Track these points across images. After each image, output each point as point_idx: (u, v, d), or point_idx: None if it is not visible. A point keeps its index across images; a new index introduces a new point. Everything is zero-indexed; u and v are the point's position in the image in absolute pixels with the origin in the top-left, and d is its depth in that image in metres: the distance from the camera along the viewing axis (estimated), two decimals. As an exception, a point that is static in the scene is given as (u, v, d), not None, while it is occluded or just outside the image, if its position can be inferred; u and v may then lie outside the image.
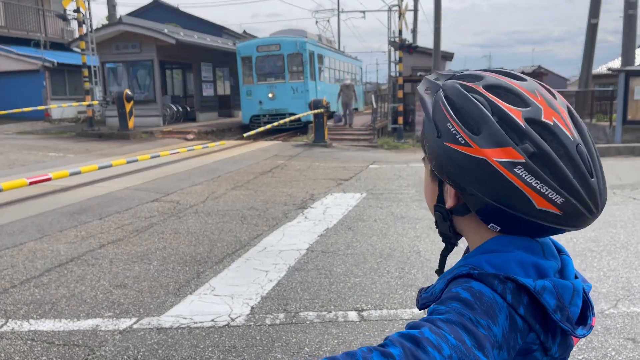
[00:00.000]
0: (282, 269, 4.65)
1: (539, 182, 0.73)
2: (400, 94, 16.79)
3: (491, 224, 0.81)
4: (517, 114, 0.75)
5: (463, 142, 0.77)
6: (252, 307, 3.84)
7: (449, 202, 0.86)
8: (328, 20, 34.19)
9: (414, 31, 27.57)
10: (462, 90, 0.80)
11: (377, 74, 67.30)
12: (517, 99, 0.77)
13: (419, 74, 21.89)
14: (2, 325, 3.60)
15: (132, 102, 16.37)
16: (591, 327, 0.80)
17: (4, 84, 21.86)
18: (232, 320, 3.63)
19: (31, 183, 5.35)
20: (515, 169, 0.73)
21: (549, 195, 0.74)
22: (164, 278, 4.48)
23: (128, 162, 7.89)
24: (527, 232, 0.80)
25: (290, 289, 4.18)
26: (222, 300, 3.99)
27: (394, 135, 16.65)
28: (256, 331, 3.47)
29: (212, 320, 3.62)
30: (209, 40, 22.22)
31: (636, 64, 17.59)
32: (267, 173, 10.13)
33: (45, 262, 4.89)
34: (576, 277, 0.84)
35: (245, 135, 12.77)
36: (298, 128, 18.52)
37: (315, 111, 14.38)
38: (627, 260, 4.72)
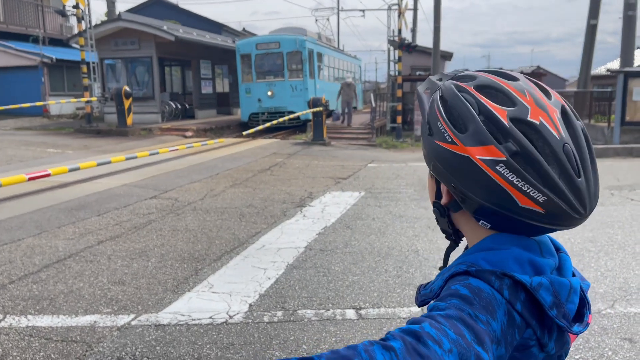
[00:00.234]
0: (281, 266, 4.65)
1: (520, 180, 0.74)
2: (399, 93, 16.79)
3: (481, 221, 0.83)
4: (502, 113, 0.76)
5: (450, 140, 0.79)
6: (250, 305, 3.84)
7: (444, 199, 0.89)
8: (328, 19, 34.20)
9: (414, 30, 27.58)
10: (455, 90, 0.82)
11: (376, 73, 67.43)
12: (505, 99, 0.78)
13: (418, 73, 21.91)
14: (0, 321, 3.60)
15: (130, 99, 16.35)
16: (587, 324, 0.81)
17: (2, 80, 21.82)
18: (230, 317, 3.63)
19: (30, 179, 5.34)
20: (497, 167, 0.75)
21: (531, 193, 0.75)
22: (162, 275, 4.48)
23: (127, 159, 7.88)
24: (516, 230, 0.81)
25: (288, 287, 4.18)
26: (220, 297, 3.99)
27: (392, 134, 16.66)
28: (254, 329, 3.47)
29: (210, 318, 3.62)
30: (208, 37, 22.20)
31: (635, 65, 17.63)
32: (266, 171, 10.14)
33: (44, 258, 4.89)
34: (574, 275, 0.85)
35: (244, 133, 12.76)
36: (297, 126, 18.52)
37: (314, 109, 14.38)
38: (624, 261, 4.73)
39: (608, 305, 3.79)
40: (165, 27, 18.79)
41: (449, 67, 30.79)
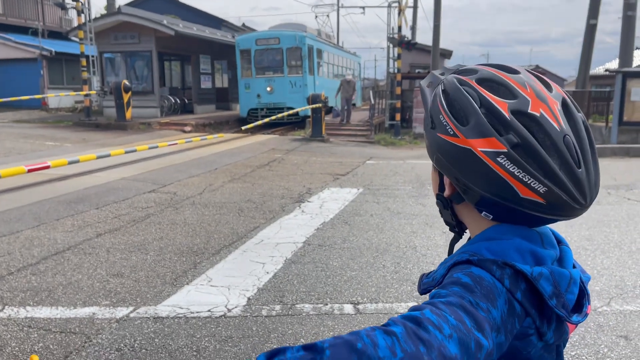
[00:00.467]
0: (279, 261, 4.67)
1: (521, 172, 0.76)
2: (398, 90, 16.80)
3: (483, 212, 0.85)
4: (503, 106, 0.78)
5: (452, 132, 0.80)
6: (249, 299, 3.86)
7: (447, 191, 0.90)
8: (327, 15, 34.20)
9: (413, 28, 27.54)
10: (457, 83, 0.83)
11: (375, 70, 67.41)
12: (507, 92, 0.80)
13: (417, 71, 21.90)
14: (-2, 312, 3.61)
15: (130, 93, 16.32)
16: (586, 315, 0.83)
17: (1, 72, 21.77)
18: (229, 310, 3.65)
19: (29, 170, 5.35)
20: (498, 159, 0.76)
21: (532, 184, 0.76)
22: (161, 268, 4.49)
23: (126, 152, 7.88)
24: (518, 221, 0.83)
25: (286, 281, 4.20)
26: (218, 291, 4.01)
27: (391, 131, 16.66)
28: (252, 322, 3.49)
29: (209, 311, 3.64)
30: (207, 32, 22.16)
31: (634, 65, 17.66)
32: (265, 166, 10.14)
33: (42, 250, 4.89)
34: (574, 267, 0.86)
35: (243, 128, 12.77)
36: (295, 122, 18.51)
37: (313, 106, 14.38)
38: (620, 259, 4.76)
39: (604, 302, 3.82)
40: (165, 22, 18.76)
41: (448, 65, 30.75)
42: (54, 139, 13.57)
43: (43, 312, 3.60)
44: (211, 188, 7.90)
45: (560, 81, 44.07)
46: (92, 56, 17.96)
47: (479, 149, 0.77)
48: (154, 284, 4.13)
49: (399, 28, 17.17)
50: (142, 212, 6.37)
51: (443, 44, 17.35)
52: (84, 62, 17.20)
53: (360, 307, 3.75)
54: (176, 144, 10.08)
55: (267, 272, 4.39)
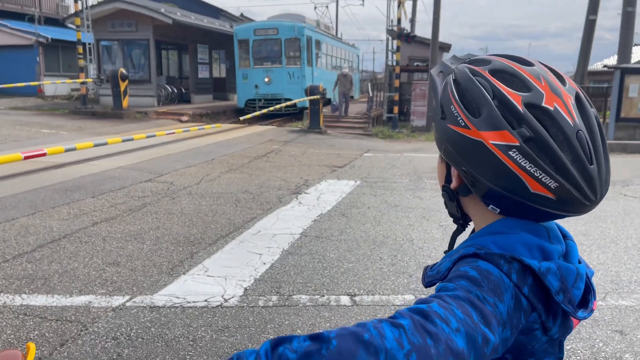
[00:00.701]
0: (276, 252, 4.67)
1: (532, 166, 0.74)
2: (396, 83, 16.75)
3: (491, 206, 0.83)
4: (516, 99, 0.76)
5: (463, 124, 0.79)
6: (246, 289, 3.86)
7: (454, 183, 0.89)
8: (327, 7, 34.02)
9: (413, 21, 27.43)
10: (469, 74, 0.81)
11: (374, 63, 67.18)
12: (520, 84, 0.78)
13: (416, 64, 21.84)
14: (-6, 299, 3.60)
15: (126, 82, 16.23)
16: (592, 311, 0.82)
17: (-4, 58, 21.59)
18: (225, 301, 3.65)
19: (26, 158, 5.31)
20: (510, 152, 0.75)
21: (543, 179, 0.75)
22: (157, 257, 4.48)
23: (123, 141, 7.84)
24: (526, 215, 0.81)
25: (283, 272, 4.20)
26: (215, 281, 4.00)
27: (388, 124, 16.63)
28: (249, 312, 3.49)
29: (205, 301, 3.63)
30: (205, 21, 22.00)
31: (632, 61, 17.65)
32: (262, 157, 10.12)
33: (38, 238, 4.87)
34: (580, 263, 0.85)
35: (241, 118, 12.71)
36: (293, 114, 18.45)
37: (312, 97, 14.33)
38: (616, 255, 4.78)
39: (600, 297, 3.83)
40: (162, 10, 18.60)
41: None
42: (50, 126, 13.49)
43: (39, 300, 3.59)
44: (208, 178, 7.88)
45: (558, 76, 44.06)
46: (89, 44, 17.82)
47: (491, 142, 0.76)
48: (150, 273, 4.12)
49: (399, 20, 17.09)
50: (138, 202, 6.34)
51: (442, 37, 17.29)
52: (80, 49, 17.07)
53: (357, 298, 3.75)
54: (174, 133, 10.04)
55: (264, 263, 4.39)
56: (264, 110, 13.98)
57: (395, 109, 16.41)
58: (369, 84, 19.57)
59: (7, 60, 21.47)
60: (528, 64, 0.82)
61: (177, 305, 3.56)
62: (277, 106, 14.71)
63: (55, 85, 20.75)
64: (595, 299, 0.84)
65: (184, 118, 16.63)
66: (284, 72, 18.66)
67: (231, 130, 14.51)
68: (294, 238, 5.09)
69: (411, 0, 26.17)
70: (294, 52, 18.77)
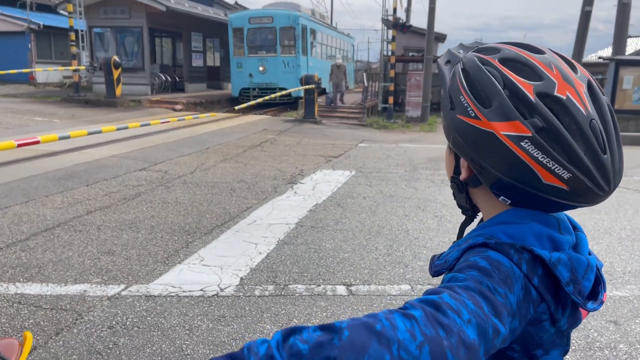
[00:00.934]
0: (272, 242, 4.66)
1: (545, 157, 0.73)
2: (392, 73, 16.70)
3: (502, 197, 0.82)
4: (528, 88, 0.75)
5: (473, 114, 0.77)
6: (242, 278, 3.85)
7: (463, 174, 0.87)
8: (322, -5, 33.69)
9: (408, 10, 27.32)
10: (478, 63, 0.80)
11: (369, 53, 66.96)
12: (532, 73, 0.76)
13: (411, 54, 21.78)
14: (-12, 288, 3.57)
15: (120, 69, 16.08)
16: (602, 302, 0.81)
17: (-13, 45, 21.32)
18: (221, 290, 3.64)
19: (19, 145, 5.26)
20: (522, 143, 0.73)
21: (556, 170, 0.73)
22: (153, 247, 4.46)
23: (118, 129, 7.79)
24: (537, 206, 0.80)
25: (279, 262, 4.19)
26: (211, 270, 3.99)
27: (383, 114, 16.61)
28: (245, 302, 3.48)
29: (201, 290, 3.62)
30: (200, 9, 21.80)
31: (627, 53, 17.68)
32: (257, 147, 10.08)
33: (32, 227, 4.84)
34: (590, 254, 0.85)
35: (236, 107, 12.67)
36: (288, 103, 18.39)
37: (307, 87, 14.26)
38: (610, 246, 4.81)
39: (594, 288, 3.86)
40: (156, -3, 18.40)
41: (442, 49, 30.63)
42: (42, 114, 13.36)
43: (33, 289, 3.57)
44: (203, 167, 7.84)
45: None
46: (82, 31, 17.63)
47: (502, 133, 0.74)
48: (145, 263, 4.10)
49: (394, 10, 17.00)
50: (132, 190, 6.31)
51: (437, 28, 17.22)
52: (72, 36, 16.87)
53: (353, 288, 3.75)
54: (168, 122, 9.98)
55: (260, 253, 4.38)
56: (259, 100, 13.92)
57: (390, 100, 16.37)
58: (364, 74, 19.50)
59: (-1, 47, 21.23)
60: (539, 51, 0.80)
61: (173, 294, 3.55)
62: (272, 95, 14.65)
63: (47, 73, 20.55)
64: (605, 291, 0.83)
65: (178, 107, 16.53)
66: (278, 61, 18.56)
67: (225, 119, 14.43)
68: (290, 228, 5.08)
69: (407, -11, 26.04)
70: (289, 41, 18.66)
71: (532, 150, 0.73)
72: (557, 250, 0.78)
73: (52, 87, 20.71)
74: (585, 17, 17.57)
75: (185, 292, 3.59)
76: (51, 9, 22.10)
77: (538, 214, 0.81)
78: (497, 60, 0.79)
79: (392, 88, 16.58)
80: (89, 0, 17.98)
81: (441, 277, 0.87)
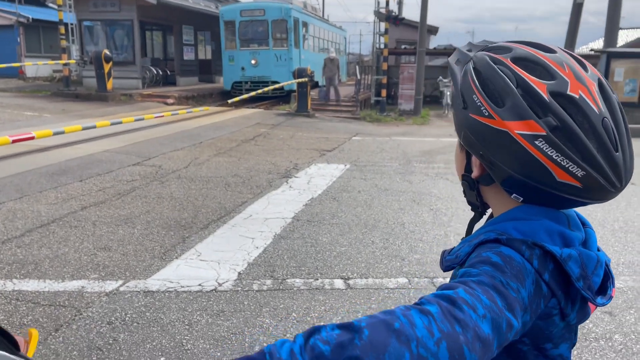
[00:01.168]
0: (268, 236, 4.67)
1: (559, 155, 0.74)
2: (384, 66, 16.69)
3: (514, 194, 0.83)
4: (541, 87, 0.76)
5: (487, 114, 0.78)
6: (239, 273, 3.86)
7: (475, 172, 0.88)
8: (313, -12, 33.51)
9: (400, 2, 27.27)
10: (490, 62, 0.80)
11: (360, 45, 66.79)
12: (544, 72, 0.77)
13: (403, 46, 21.77)
14: (-16, 285, 3.55)
15: (110, 63, 15.93)
16: (610, 297, 0.83)
17: (-25, 39, 21.05)
18: (220, 285, 3.65)
19: (14, 141, 5.22)
20: (536, 142, 0.75)
21: (570, 168, 0.75)
22: (149, 242, 4.45)
23: (112, 124, 7.74)
24: (549, 203, 0.81)
25: (276, 256, 4.20)
26: (208, 265, 3.99)
27: (376, 107, 16.60)
28: (244, 296, 3.49)
29: (199, 285, 3.63)
30: (191, 2, 21.62)
31: (618, 45, 17.75)
32: (250, 141, 10.06)
33: (26, 223, 4.81)
34: (599, 250, 0.86)
35: (229, 101, 12.61)
36: (280, 96, 18.33)
37: (299, 80, 14.23)
38: (603, 238, 4.86)
39: (588, 279, 3.90)
40: (146, -10, 18.23)
41: (434, 42, 30.61)
42: (33, 108, 13.23)
43: (30, 285, 3.56)
44: (197, 162, 7.82)
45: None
46: (71, 24, 17.46)
47: (516, 132, 0.75)
48: (142, 258, 4.10)
49: (387, 2, 16.97)
50: (127, 185, 6.28)
51: (429, 20, 17.20)
52: (62, 29, 16.70)
53: (351, 282, 3.77)
54: (162, 116, 9.93)
55: (257, 247, 4.39)
56: (252, 93, 13.87)
57: (383, 92, 16.37)
58: (357, 67, 19.46)
59: (-13, 41, 20.96)
60: (550, 50, 0.81)
61: (171, 289, 3.55)
62: (266, 89, 14.60)
63: (36, 67, 20.34)
64: (613, 286, 0.85)
65: (170, 100, 16.43)
66: (270, 54, 18.48)
67: (218, 113, 14.37)
68: (286, 222, 5.09)
69: (399, -18, 25.97)
70: (281, 33, 18.57)
71: (546, 148, 0.75)
72: (568, 246, 0.79)
73: (41, 81, 20.50)
74: (577, 10, 17.62)
75: (183, 287, 3.59)
76: (40, 2, 21.84)
77: (549, 210, 0.82)
78: (509, 60, 0.80)
79: (384, 81, 16.58)
80: (79, -7, 17.78)
81: (449, 272, 0.89)
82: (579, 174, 0.75)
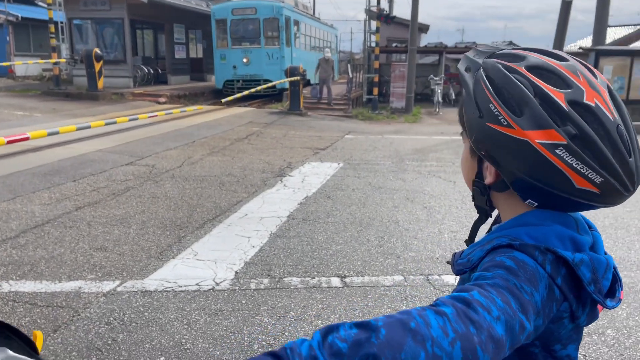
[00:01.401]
0: (264, 235, 4.69)
1: (579, 163, 0.76)
2: (376, 64, 16.73)
3: (529, 200, 0.85)
4: (559, 96, 0.77)
5: (505, 123, 0.79)
6: (237, 272, 3.88)
7: (489, 179, 0.89)
8: (304, -14, 33.46)
9: (391, 1, 27.31)
10: (504, 70, 0.81)
11: (351, 43, 66.83)
12: (559, 80, 0.79)
13: (394, 45, 21.82)
14: (-19, 286, 3.54)
15: (101, 62, 15.84)
16: (619, 300, 0.85)
17: (-37, 37, 20.82)
18: (217, 284, 3.66)
19: (9, 142, 5.19)
20: (557, 151, 0.76)
21: (589, 175, 0.77)
22: (145, 242, 4.46)
23: (106, 124, 7.71)
24: (563, 207, 0.84)
25: (273, 255, 4.22)
26: (205, 264, 4.01)
27: (368, 106, 16.64)
28: (241, 295, 3.51)
29: (197, 284, 3.64)
30: (182, 0, 21.54)
31: (606, 43, 17.90)
32: (243, 140, 10.06)
33: (20, 223, 4.79)
34: (606, 254, 0.89)
35: (223, 100, 12.58)
36: (272, 95, 18.30)
37: (291, 79, 14.23)
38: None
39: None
40: (137, -12, 18.12)
41: (425, 40, 30.71)
42: (23, 108, 13.13)
43: (27, 286, 3.55)
44: (190, 161, 7.81)
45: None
46: (61, 22, 17.32)
47: (537, 141, 0.76)
48: (139, 258, 4.10)
49: (378, 1, 17.00)
50: (121, 185, 6.27)
51: (419, 18, 17.25)
52: (52, 28, 16.57)
53: (347, 280, 3.80)
54: (156, 115, 9.90)
55: (253, 246, 4.40)
56: (245, 92, 13.84)
57: (375, 91, 16.41)
58: (348, 65, 19.48)
59: (-25, 40, 20.75)
60: (563, 59, 0.82)
61: (168, 289, 3.56)
62: (259, 88, 14.57)
63: (26, 66, 20.16)
64: (622, 289, 0.87)
65: (162, 99, 16.37)
66: (262, 53, 18.45)
67: (210, 112, 14.34)
68: (282, 221, 5.11)
69: (389, -20, 26.01)
70: (273, 32, 18.54)
71: (566, 157, 0.76)
72: (578, 250, 0.81)
73: (31, 80, 20.32)
74: (565, 8, 17.74)
75: (181, 287, 3.60)
76: (29, 1, 21.66)
77: (558, 215, 0.84)
78: (524, 68, 0.80)
79: (376, 79, 16.62)
80: (68, -9, 17.64)
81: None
82: (597, 181, 0.77)
